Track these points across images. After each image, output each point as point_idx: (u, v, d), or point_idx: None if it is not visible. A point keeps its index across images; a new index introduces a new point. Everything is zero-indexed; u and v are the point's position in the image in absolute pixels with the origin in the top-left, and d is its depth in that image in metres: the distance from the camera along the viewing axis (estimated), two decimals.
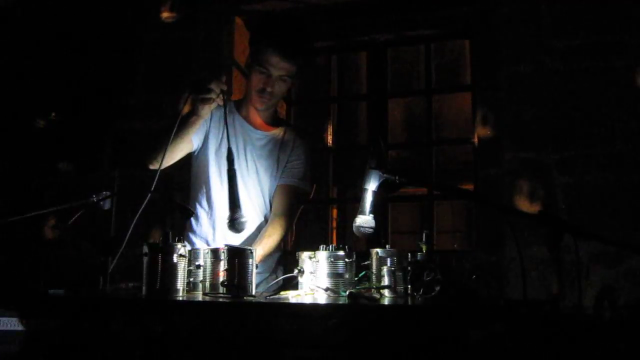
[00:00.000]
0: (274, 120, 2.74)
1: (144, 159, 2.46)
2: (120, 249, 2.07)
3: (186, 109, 2.35)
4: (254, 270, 1.93)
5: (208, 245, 2.54)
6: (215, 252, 2.00)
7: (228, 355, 1.71)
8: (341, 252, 2.01)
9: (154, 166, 2.40)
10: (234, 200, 2.16)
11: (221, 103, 2.30)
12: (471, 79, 3.66)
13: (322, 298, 1.95)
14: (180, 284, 1.93)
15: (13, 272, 3.59)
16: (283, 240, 2.67)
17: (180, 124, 2.32)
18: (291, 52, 2.51)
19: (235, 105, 2.71)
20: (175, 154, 2.47)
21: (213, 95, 2.27)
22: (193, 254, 2.06)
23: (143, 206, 2.10)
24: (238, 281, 1.89)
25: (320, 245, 2.04)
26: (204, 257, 2.04)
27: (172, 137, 2.29)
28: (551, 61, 3.22)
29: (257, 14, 3.74)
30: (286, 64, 2.52)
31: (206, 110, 2.33)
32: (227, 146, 2.59)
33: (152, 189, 2.17)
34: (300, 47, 2.56)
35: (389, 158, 3.93)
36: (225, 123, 2.32)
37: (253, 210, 2.61)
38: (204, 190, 2.59)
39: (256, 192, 2.62)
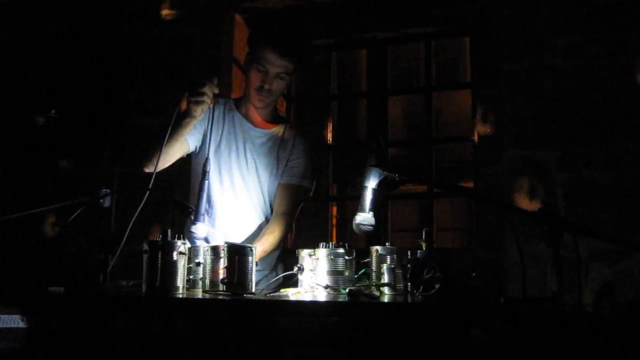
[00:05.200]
0: (273, 118, 2.74)
1: (140, 163, 2.46)
2: (120, 247, 2.07)
3: (183, 107, 2.35)
4: (254, 268, 1.94)
5: (208, 243, 2.54)
6: (215, 250, 2.00)
7: (228, 353, 1.71)
8: (341, 250, 2.02)
9: (149, 169, 2.39)
10: (197, 211, 2.19)
11: (211, 105, 2.32)
12: (471, 76, 3.66)
13: (321, 295, 1.95)
14: (180, 281, 1.93)
15: (13, 270, 3.59)
16: (284, 238, 2.67)
17: (174, 126, 2.32)
18: (289, 49, 2.52)
19: (235, 103, 2.71)
20: (170, 156, 2.47)
21: (206, 99, 2.27)
22: (193, 252, 2.06)
23: (142, 204, 2.11)
24: (238, 279, 1.89)
25: (320, 242, 2.04)
26: (204, 255, 2.04)
27: (166, 138, 2.29)
28: (551, 58, 3.22)
29: (257, 12, 3.74)
30: (284, 62, 2.52)
31: (199, 112, 2.33)
32: (226, 145, 2.61)
33: (150, 187, 2.18)
34: (297, 44, 2.57)
35: (389, 155, 3.93)
36: (210, 127, 2.34)
37: (253, 208, 2.61)
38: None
39: (256, 190, 2.62)
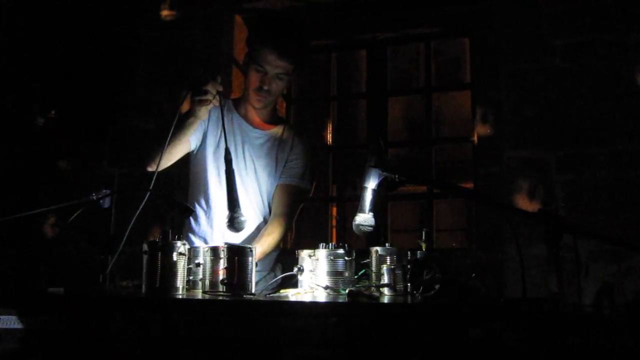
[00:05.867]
0: (272, 119, 2.73)
1: (141, 161, 2.46)
2: (120, 247, 2.07)
3: (185, 107, 2.35)
4: (254, 269, 1.94)
5: (207, 244, 2.54)
6: (214, 251, 2.00)
7: (227, 354, 1.71)
8: (341, 251, 2.02)
9: (151, 168, 2.40)
10: (232, 200, 2.16)
11: (217, 104, 2.31)
12: (471, 77, 3.66)
13: (321, 296, 1.95)
14: (180, 282, 1.93)
15: (12, 270, 3.59)
16: (282, 239, 2.67)
17: (178, 125, 2.32)
18: (287, 50, 2.52)
19: (234, 104, 2.71)
20: (172, 155, 2.47)
21: (209, 97, 2.27)
22: (193, 252, 2.06)
23: (142, 205, 2.11)
24: (238, 279, 1.89)
25: (320, 243, 2.04)
26: (204, 256, 2.03)
27: (169, 137, 2.29)
28: (551, 59, 3.22)
29: (256, 12, 3.74)
30: (282, 62, 2.52)
31: (203, 112, 2.33)
32: (224, 146, 2.60)
33: (151, 187, 2.17)
34: (296, 45, 2.57)
35: (389, 156, 3.92)
36: (223, 124, 2.32)
37: (251, 209, 2.60)
38: (203, 190, 2.59)
39: (254, 192, 2.61)
